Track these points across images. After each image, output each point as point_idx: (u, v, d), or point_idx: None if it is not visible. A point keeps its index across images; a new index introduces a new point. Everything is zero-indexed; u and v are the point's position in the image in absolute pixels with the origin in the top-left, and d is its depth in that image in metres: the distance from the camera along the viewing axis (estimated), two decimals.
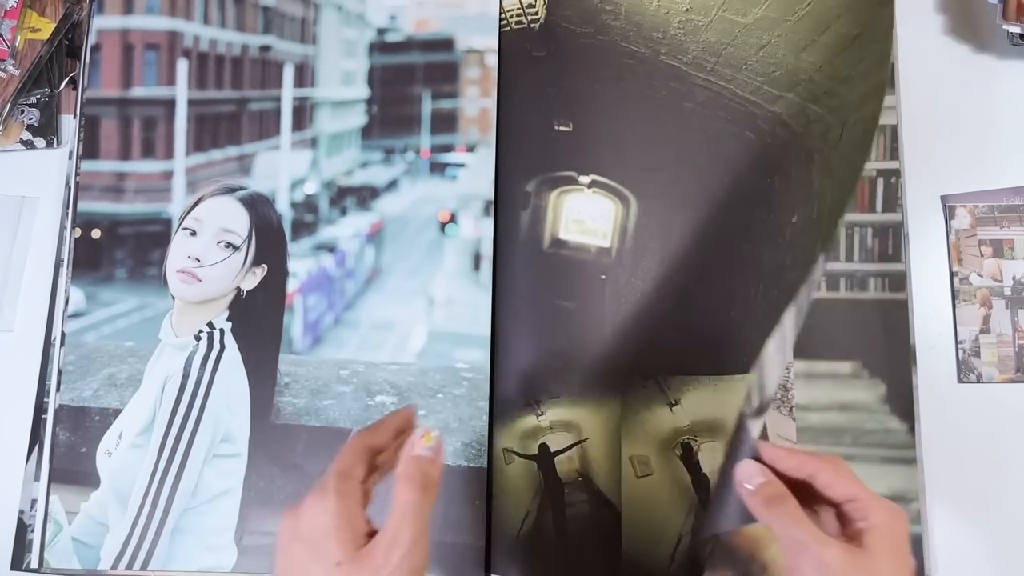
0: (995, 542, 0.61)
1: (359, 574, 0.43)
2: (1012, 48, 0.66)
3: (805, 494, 0.48)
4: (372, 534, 0.45)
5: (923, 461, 0.62)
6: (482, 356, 0.65)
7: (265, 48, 0.74)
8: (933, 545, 0.60)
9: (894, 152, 0.66)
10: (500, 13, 0.71)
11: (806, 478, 0.49)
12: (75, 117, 0.73)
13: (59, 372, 0.67)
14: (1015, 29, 0.63)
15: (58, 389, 0.67)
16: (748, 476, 0.49)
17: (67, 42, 0.75)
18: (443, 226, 0.70)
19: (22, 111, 0.73)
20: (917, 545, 0.60)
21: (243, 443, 0.65)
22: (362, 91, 0.73)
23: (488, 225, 0.68)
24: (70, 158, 0.72)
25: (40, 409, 0.67)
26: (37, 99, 0.73)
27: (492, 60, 0.71)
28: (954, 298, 0.65)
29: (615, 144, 0.67)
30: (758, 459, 0.51)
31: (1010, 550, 0.61)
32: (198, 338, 0.67)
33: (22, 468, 0.66)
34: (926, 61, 0.68)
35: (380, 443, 0.49)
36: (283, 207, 0.71)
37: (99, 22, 0.74)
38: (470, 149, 0.72)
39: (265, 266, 0.69)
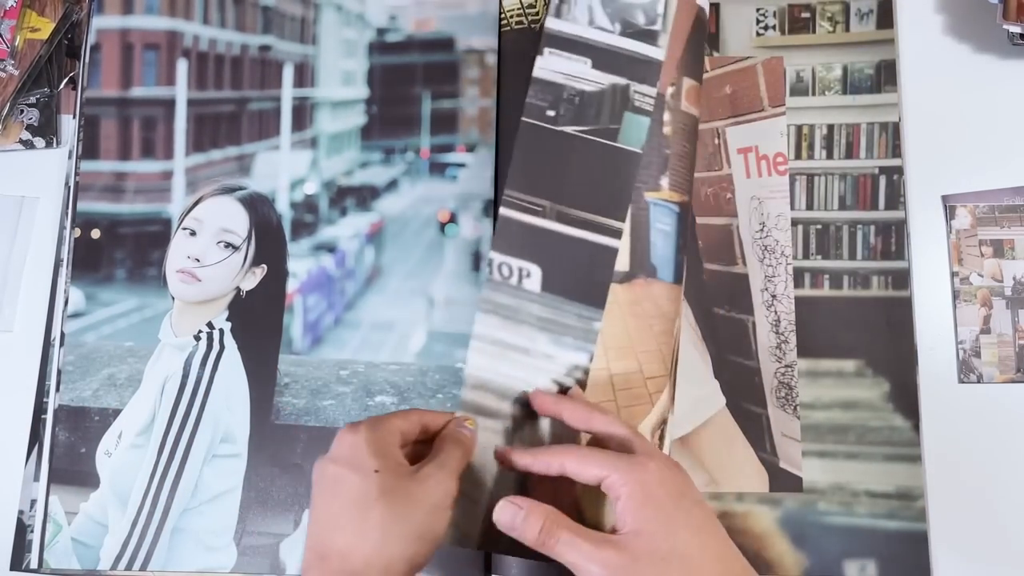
0: (996, 542, 0.61)
1: (399, 480, 0.45)
2: (1012, 48, 0.66)
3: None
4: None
5: (924, 461, 0.61)
6: None
7: (265, 48, 0.74)
8: (935, 545, 0.60)
9: (896, 150, 0.66)
10: (500, 13, 0.71)
11: (561, 474, 0.47)
12: (75, 117, 0.72)
13: (59, 372, 0.67)
14: (1015, 29, 0.63)
15: (58, 389, 0.67)
16: (508, 519, 0.46)
17: (67, 42, 0.75)
18: (443, 226, 0.70)
19: (22, 111, 0.73)
20: (922, 542, 0.60)
21: (243, 443, 0.65)
22: (362, 91, 0.73)
23: (488, 225, 0.68)
24: (70, 158, 0.72)
25: (40, 409, 0.67)
26: (37, 99, 0.73)
27: (492, 60, 0.71)
28: (954, 298, 0.64)
29: None
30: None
31: (1011, 549, 0.61)
32: (198, 338, 0.67)
33: (22, 468, 0.66)
34: (927, 61, 0.68)
35: (411, 424, 0.49)
36: (283, 207, 0.71)
37: (99, 22, 0.74)
38: (470, 149, 0.71)
39: (265, 266, 0.68)
